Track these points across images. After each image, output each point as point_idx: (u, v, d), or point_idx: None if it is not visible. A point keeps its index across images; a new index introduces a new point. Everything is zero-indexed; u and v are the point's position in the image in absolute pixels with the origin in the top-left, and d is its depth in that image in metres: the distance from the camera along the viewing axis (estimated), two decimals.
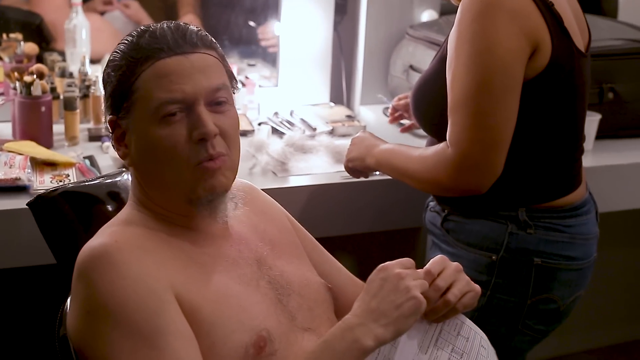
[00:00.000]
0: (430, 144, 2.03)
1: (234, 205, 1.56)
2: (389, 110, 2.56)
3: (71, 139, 2.63)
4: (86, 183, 1.78)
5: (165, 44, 1.47)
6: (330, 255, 1.83)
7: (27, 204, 1.72)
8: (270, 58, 3.44)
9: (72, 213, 1.71)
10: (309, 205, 2.45)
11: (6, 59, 2.93)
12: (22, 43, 2.99)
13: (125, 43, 1.51)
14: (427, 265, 1.48)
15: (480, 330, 1.54)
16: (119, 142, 1.52)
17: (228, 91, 1.51)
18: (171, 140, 1.45)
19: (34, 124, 2.53)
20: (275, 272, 1.59)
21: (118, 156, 1.55)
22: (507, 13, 1.76)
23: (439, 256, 1.50)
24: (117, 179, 1.80)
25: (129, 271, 1.40)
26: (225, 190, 1.51)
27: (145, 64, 1.46)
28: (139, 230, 1.50)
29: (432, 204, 2.16)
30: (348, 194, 2.53)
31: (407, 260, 1.47)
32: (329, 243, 1.90)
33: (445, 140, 1.85)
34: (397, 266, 1.44)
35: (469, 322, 1.52)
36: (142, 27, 1.52)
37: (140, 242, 1.46)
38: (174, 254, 1.48)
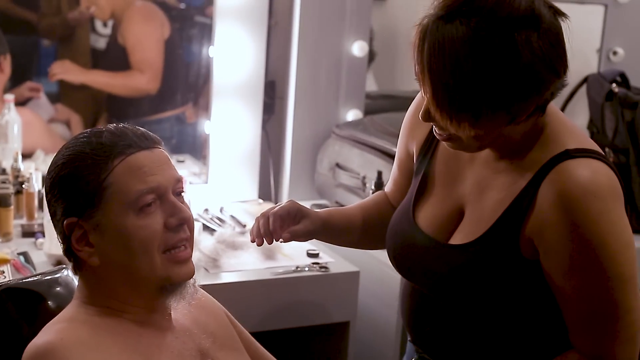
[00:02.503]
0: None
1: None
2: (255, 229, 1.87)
3: (4, 235, 2.65)
4: (28, 280, 1.80)
5: (131, 140, 1.53)
6: (265, 350, 1.88)
7: None
8: (199, 154, 3.50)
9: (14, 310, 1.73)
10: (241, 300, 2.50)
11: None
12: None
13: (82, 144, 1.54)
14: None
15: None
16: (80, 243, 1.54)
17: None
18: (149, 229, 1.51)
19: None
20: None
21: (83, 257, 1.54)
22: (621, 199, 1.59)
23: None
24: (57, 276, 1.82)
25: None
26: (192, 277, 1.59)
27: (116, 160, 1.51)
28: (84, 327, 1.52)
29: None
30: (279, 288, 2.59)
31: None
32: (261, 338, 1.94)
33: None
34: None
35: None
36: (89, 130, 1.58)
37: (84, 339, 1.49)
38: (120, 348, 1.51)
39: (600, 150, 1.61)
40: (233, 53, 3.23)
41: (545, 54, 1.48)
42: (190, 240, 1.59)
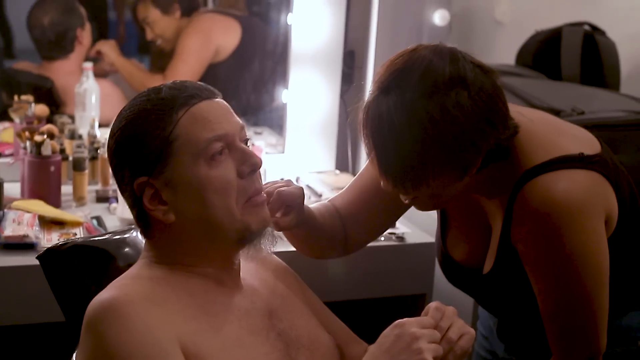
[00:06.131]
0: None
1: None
2: None
3: (79, 199, 2.66)
4: (96, 238, 1.78)
5: (191, 91, 1.51)
6: (337, 318, 1.83)
7: (36, 257, 1.72)
8: (277, 126, 3.47)
9: (81, 267, 1.71)
10: (314, 269, 2.44)
11: (17, 120, 2.97)
12: (32, 105, 3.03)
13: (142, 102, 1.52)
14: (429, 313, 1.46)
15: None
16: (153, 202, 1.51)
17: None
18: (223, 179, 1.48)
19: (42, 183, 2.56)
20: (285, 325, 1.59)
21: (157, 217, 1.50)
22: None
23: (434, 303, 1.48)
24: (125, 236, 1.81)
25: (135, 324, 1.40)
26: (269, 224, 1.56)
27: (180, 111, 1.48)
28: (149, 283, 1.50)
29: None
30: (353, 258, 2.51)
31: (426, 320, 1.43)
32: (335, 308, 1.89)
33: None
34: (415, 325, 1.41)
35: None
36: (146, 89, 1.55)
37: (149, 295, 1.46)
38: (184, 304, 1.48)
39: (594, 151, 1.70)
40: (312, 21, 3.18)
41: (478, 109, 1.53)
42: (262, 190, 1.57)
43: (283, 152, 3.27)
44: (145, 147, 1.48)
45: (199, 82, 1.56)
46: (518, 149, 1.67)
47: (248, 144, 1.57)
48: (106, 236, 1.81)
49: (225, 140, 1.50)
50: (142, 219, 1.55)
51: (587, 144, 1.72)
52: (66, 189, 2.71)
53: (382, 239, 2.58)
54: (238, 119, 1.55)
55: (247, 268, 1.65)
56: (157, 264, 1.55)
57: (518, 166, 1.67)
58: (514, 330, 1.99)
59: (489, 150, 1.59)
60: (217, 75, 3.69)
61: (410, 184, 1.59)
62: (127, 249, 1.77)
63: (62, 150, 2.79)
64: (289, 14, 3.21)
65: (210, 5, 4.07)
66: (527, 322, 1.86)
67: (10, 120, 3.08)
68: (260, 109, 3.70)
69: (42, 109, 3.00)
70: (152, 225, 1.54)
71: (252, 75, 3.69)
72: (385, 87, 1.57)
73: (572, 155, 1.66)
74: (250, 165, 1.51)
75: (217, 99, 1.54)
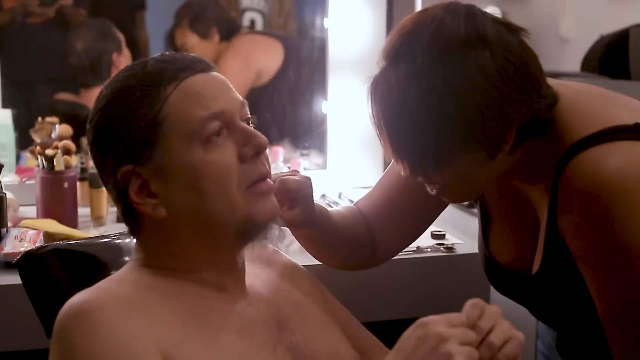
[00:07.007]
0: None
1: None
2: None
3: (97, 219, 2.45)
4: (82, 241, 1.58)
5: (182, 64, 1.30)
6: (369, 332, 1.58)
7: (13, 263, 1.52)
8: (319, 141, 3.29)
9: (63, 273, 1.51)
10: (350, 285, 2.20)
11: (38, 141, 2.81)
12: (57, 126, 2.87)
13: (125, 78, 1.31)
14: (464, 310, 1.19)
15: None
16: (140, 195, 1.29)
17: None
18: (221, 164, 1.27)
19: (56, 200, 2.38)
20: (298, 338, 1.36)
21: (146, 212, 1.30)
22: None
23: (472, 300, 1.21)
24: (117, 240, 1.61)
25: (108, 330, 1.19)
26: (276, 216, 1.35)
27: (169, 86, 1.28)
28: (132, 287, 1.29)
29: None
30: (396, 271, 2.28)
31: (456, 317, 1.13)
32: (373, 328, 1.65)
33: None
34: (442, 323, 1.10)
35: None
36: (134, 62, 1.35)
37: (129, 299, 1.25)
38: (170, 310, 1.26)
39: None
40: (350, 25, 2.98)
41: (505, 73, 1.34)
42: (270, 174, 1.35)
43: (325, 168, 3.07)
44: (129, 129, 1.27)
45: (192, 54, 1.35)
46: (560, 122, 1.44)
47: (251, 124, 1.34)
48: (95, 240, 1.60)
49: (223, 118, 1.28)
50: (130, 215, 1.33)
51: None
52: (87, 211, 2.52)
53: (429, 249, 2.33)
54: (238, 95, 1.34)
55: (257, 272, 1.44)
56: (146, 267, 1.34)
57: (560, 141, 1.43)
58: (575, 343, 1.70)
59: (523, 123, 1.38)
60: (261, 99, 3.56)
61: (431, 167, 1.40)
62: (118, 253, 1.57)
63: (84, 170, 2.62)
64: (325, 18, 3.03)
65: (258, 27, 3.94)
66: (587, 331, 1.57)
67: None
68: (308, 131, 3.53)
69: (65, 129, 2.83)
70: (140, 222, 1.33)
71: (295, 94, 3.53)
72: (393, 55, 1.38)
73: (625, 126, 1.39)
74: (253, 146, 1.29)
75: (213, 72, 1.33)
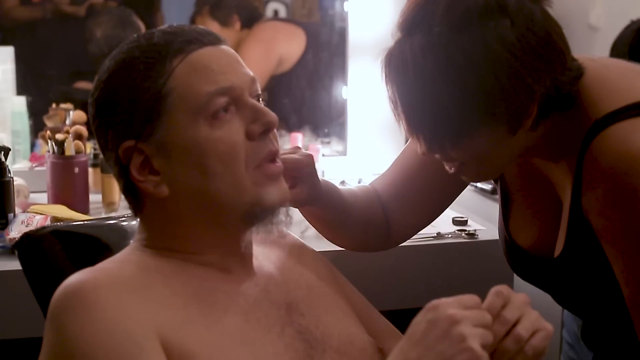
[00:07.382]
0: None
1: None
2: None
3: (108, 205, 2.40)
4: (85, 223, 1.52)
5: (189, 36, 1.23)
6: (384, 319, 1.51)
7: (12, 246, 1.46)
8: (343, 132, 3.24)
9: (64, 255, 1.44)
10: (370, 271, 2.14)
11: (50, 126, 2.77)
12: (71, 112, 2.82)
13: (129, 49, 1.24)
14: (486, 299, 1.12)
15: None
16: (142, 172, 1.23)
17: None
18: (228, 142, 1.20)
19: (66, 186, 2.33)
20: (308, 321, 1.29)
21: (148, 190, 1.23)
22: None
23: (498, 286, 1.14)
24: (122, 222, 1.54)
25: (103, 312, 1.13)
26: (286, 201, 1.28)
27: (175, 59, 1.21)
28: (132, 268, 1.23)
29: None
30: (416, 258, 2.22)
31: (469, 299, 1.07)
32: (389, 318, 1.57)
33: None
34: (454, 305, 1.04)
35: None
36: (139, 34, 1.28)
37: (127, 279, 1.19)
38: (171, 291, 1.20)
39: None
40: (370, 8, 2.93)
41: (526, 43, 1.28)
42: (279, 153, 1.28)
43: (345, 154, 3.01)
44: (132, 103, 1.21)
45: (201, 26, 1.28)
46: (585, 95, 1.37)
47: (261, 101, 1.27)
48: (98, 221, 1.54)
49: (231, 94, 1.22)
50: (132, 193, 1.27)
51: None
52: (99, 197, 2.48)
53: (450, 236, 2.26)
54: (248, 70, 1.27)
55: (266, 253, 1.37)
56: (148, 247, 1.27)
57: (586, 116, 1.35)
58: (600, 331, 1.63)
59: (546, 97, 1.31)
60: (282, 86, 3.49)
61: (448, 143, 1.33)
62: (122, 235, 1.50)
63: (96, 155, 2.57)
64: (345, 1, 2.98)
65: (281, 15, 3.89)
66: (612, 317, 1.49)
67: None
68: (328, 118, 3.47)
69: (79, 115, 2.78)
70: (142, 200, 1.26)
71: (314, 80, 3.47)
72: (408, 26, 1.32)
73: None
74: (263, 124, 1.22)
75: (222, 46, 1.26)
